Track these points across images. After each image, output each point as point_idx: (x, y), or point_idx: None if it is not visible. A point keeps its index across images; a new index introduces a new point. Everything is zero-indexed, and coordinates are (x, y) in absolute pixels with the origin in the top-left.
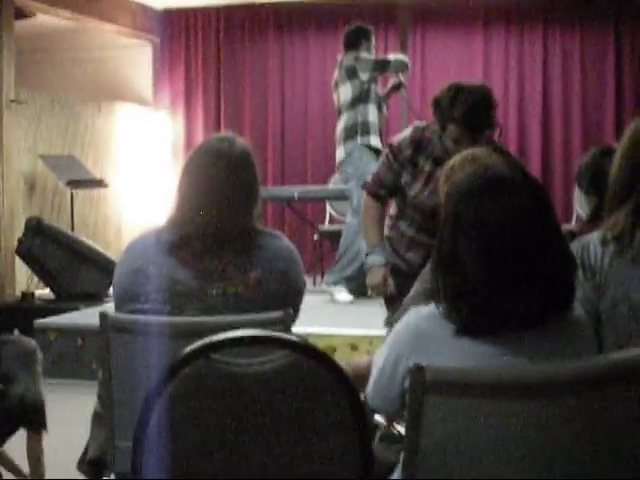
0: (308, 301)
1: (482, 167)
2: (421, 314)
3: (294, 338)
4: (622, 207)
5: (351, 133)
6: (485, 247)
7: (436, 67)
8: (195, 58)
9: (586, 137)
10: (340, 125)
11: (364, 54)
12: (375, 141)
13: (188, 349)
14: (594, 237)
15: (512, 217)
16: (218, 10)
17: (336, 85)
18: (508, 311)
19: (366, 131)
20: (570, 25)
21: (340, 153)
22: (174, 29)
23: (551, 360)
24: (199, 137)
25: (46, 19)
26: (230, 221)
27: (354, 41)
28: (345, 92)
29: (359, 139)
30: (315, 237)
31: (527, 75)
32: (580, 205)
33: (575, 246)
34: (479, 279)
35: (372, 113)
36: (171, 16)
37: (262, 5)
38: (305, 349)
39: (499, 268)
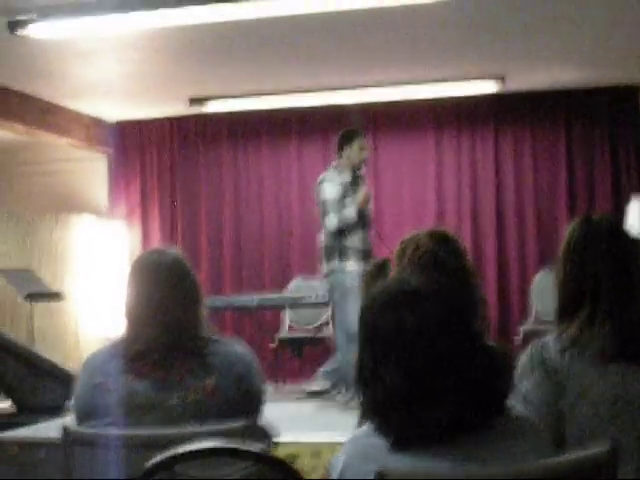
0: (269, 409)
1: (396, 280)
2: (357, 434)
3: (256, 449)
4: (574, 318)
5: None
6: (404, 359)
7: (389, 171)
8: (150, 169)
9: (541, 237)
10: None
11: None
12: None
13: (151, 462)
14: (552, 336)
15: (429, 328)
16: (171, 121)
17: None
18: (434, 422)
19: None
20: (521, 125)
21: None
22: (128, 141)
23: (497, 463)
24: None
25: (1, 134)
26: (177, 330)
27: (338, 145)
28: None
29: None
30: (273, 345)
31: (480, 175)
32: None
33: (535, 345)
34: (401, 392)
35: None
36: (124, 128)
37: (215, 115)
38: (267, 460)
39: (419, 380)
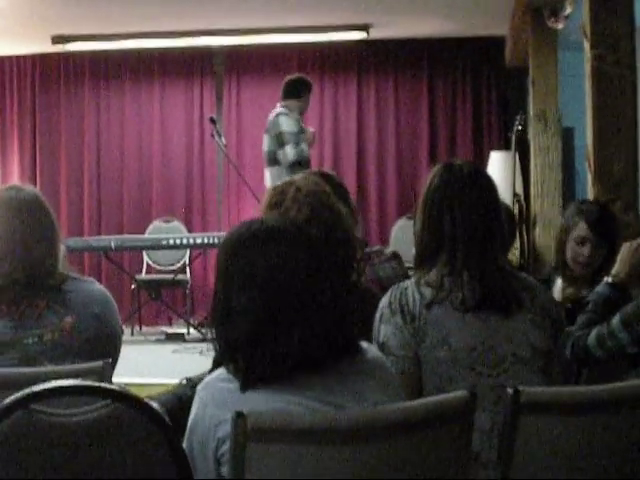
0: (126, 351)
1: (255, 221)
2: (210, 379)
3: (116, 387)
4: (433, 264)
5: None
6: (253, 299)
7: (251, 116)
8: (10, 106)
9: (400, 185)
10: None
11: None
12: None
13: (7, 401)
14: (413, 282)
15: (281, 269)
16: (33, 59)
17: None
18: (280, 360)
19: None
20: (384, 73)
21: None
22: None
23: (347, 402)
24: None
25: None
26: (34, 265)
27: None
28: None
29: None
30: (132, 286)
31: (342, 122)
32: None
33: (394, 291)
34: (249, 331)
35: None
36: None
37: (77, 54)
38: (126, 398)
39: (267, 319)
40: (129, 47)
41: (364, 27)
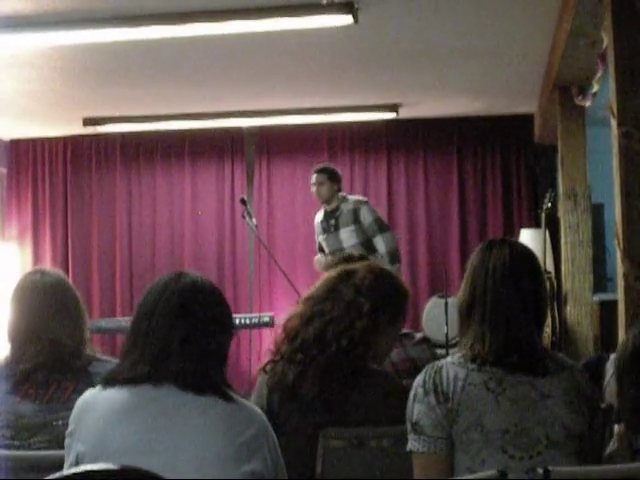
0: None
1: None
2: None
3: (149, 471)
4: (469, 326)
5: None
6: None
7: (282, 196)
8: (42, 189)
9: (431, 264)
10: None
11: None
12: None
13: None
14: (447, 361)
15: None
16: (65, 141)
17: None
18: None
19: None
20: (414, 152)
21: None
22: (21, 159)
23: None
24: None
25: None
26: (61, 347)
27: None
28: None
29: None
30: None
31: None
32: None
33: (429, 370)
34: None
35: None
36: (18, 146)
37: (109, 135)
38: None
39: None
40: (160, 129)
41: (393, 107)
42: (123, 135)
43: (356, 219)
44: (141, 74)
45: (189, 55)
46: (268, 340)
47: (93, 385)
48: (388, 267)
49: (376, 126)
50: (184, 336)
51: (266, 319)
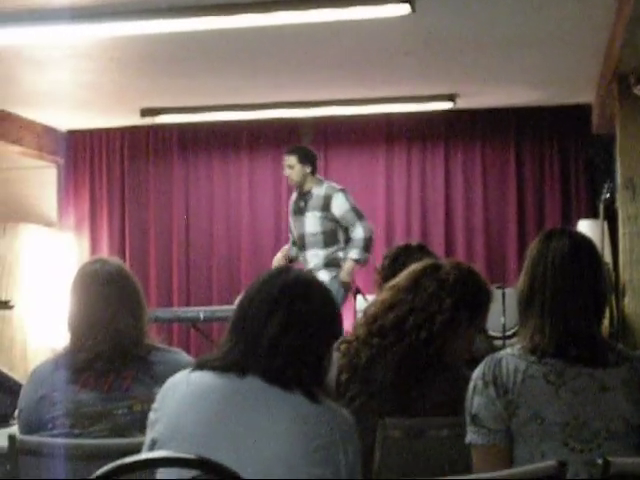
0: None
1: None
2: None
3: (207, 459)
4: (529, 317)
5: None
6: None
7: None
8: (100, 179)
9: (489, 254)
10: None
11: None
12: None
13: (98, 472)
14: (507, 353)
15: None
16: (122, 131)
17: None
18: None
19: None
20: (471, 142)
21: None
22: (78, 150)
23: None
24: None
25: None
26: (121, 336)
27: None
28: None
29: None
30: None
31: (430, 192)
32: None
33: (488, 362)
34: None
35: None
36: (75, 137)
37: (166, 126)
38: (219, 469)
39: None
40: (217, 119)
41: (451, 97)
42: (180, 126)
43: (326, 206)
44: (198, 65)
45: (246, 46)
46: None
47: (152, 374)
48: (363, 255)
49: (433, 116)
50: (278, 330)
51: None
